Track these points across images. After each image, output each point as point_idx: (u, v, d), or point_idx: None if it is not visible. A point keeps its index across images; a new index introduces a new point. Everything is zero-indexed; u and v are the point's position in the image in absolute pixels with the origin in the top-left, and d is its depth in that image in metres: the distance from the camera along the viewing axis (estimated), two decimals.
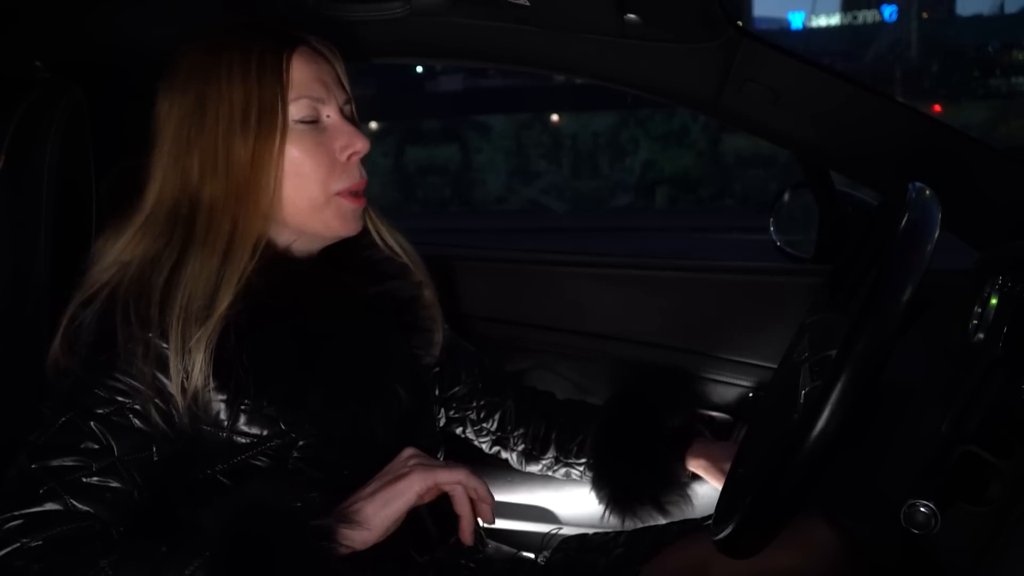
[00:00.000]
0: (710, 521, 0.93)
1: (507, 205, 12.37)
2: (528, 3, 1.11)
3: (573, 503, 1.56)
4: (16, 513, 0.84)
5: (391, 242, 1.11)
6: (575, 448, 1.27)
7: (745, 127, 1.32)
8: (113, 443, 0.88)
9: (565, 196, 12.21)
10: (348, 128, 0.99)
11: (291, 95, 0.95)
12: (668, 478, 1.21)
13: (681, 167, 11.98)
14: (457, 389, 1.27)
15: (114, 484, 0.87)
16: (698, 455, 1.23)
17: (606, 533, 1.24)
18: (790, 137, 1.28)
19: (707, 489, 1.42)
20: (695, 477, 1.25)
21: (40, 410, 0.91)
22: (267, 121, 0.94)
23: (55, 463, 0.86)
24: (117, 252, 0.96)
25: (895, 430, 1.02)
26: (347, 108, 1.02)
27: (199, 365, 0.90)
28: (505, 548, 1.24)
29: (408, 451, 0.94)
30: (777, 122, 1.25)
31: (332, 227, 1.00)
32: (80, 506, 0.85)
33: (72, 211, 1.15)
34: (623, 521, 1.22)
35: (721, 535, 0.84)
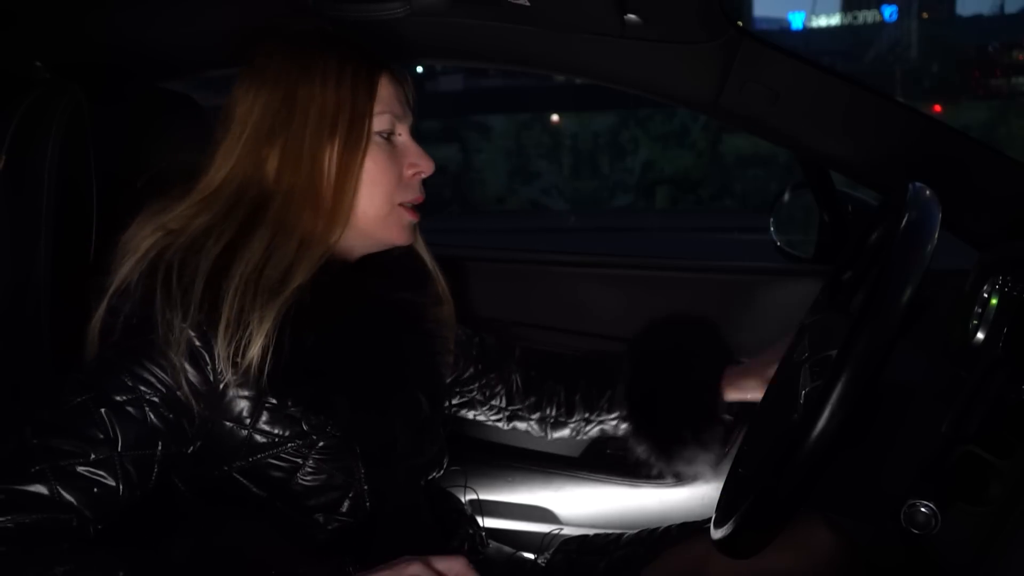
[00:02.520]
0: (710, 523, 0.93)
1: (507, 205, 12.36)
2: (528, 3, 1.11)
3: (574, 503, 1.56)
4: (1, 486, 0.83)
5: (421, 250, 1.14)
6: (605, 404, 1.28)
7: (745, 127, 1.32)
8: (119, 435, 0.87)
9: (565, 196, 12.21)
10: (417, 148, 1.06)
11: (377, 109, 1.01)
12: (705, 409, 1.22)
13: (681, 167, 11.97)
14: (458, 375, 1.28)
15: (105, 479, 0.86)
16: (733, 379, 1.24)
17: (607, 534, 1.25)
18: (790, 137, 1.28)
19: (707, 490, 1.43)
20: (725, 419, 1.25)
21: (60, 384, 0.90)
22: (354, 130, 0.99)
23: (55, 443, 0.85)
24: (164, 221, 0.96)
25: (895, 430, 1.02)
26: (413, 130, 1.08)
27: (260, 339, 0.90)
28: (505, 549, 1.25)
29: (414, 567, 0.86)
30: (777, 122, 1.25)
31: (392, 235, 1.05)
32: (65, 495, 0.84)
33: (72, 211, 1.15)
34: (669, 469, 1.23)
35: (721, 535, 0.84)
